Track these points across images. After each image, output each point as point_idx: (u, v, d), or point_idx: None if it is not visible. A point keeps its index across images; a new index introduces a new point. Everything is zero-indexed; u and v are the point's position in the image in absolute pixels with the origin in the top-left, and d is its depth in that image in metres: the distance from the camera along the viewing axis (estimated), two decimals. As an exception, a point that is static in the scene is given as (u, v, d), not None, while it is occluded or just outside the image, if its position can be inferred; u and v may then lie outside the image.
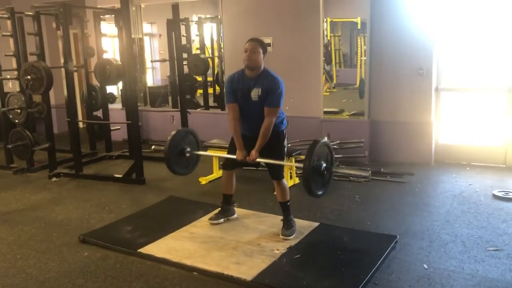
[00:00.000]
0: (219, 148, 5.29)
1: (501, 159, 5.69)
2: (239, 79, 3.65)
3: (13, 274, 3.34)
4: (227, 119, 3.73)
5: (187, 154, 4.04)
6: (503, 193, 4.65)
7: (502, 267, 3.22)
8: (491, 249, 3.50)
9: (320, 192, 3.52)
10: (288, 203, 3.80)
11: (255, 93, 3.57)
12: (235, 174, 4.03)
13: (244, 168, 4.45)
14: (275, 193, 3.90)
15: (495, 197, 4.60)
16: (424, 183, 5.17)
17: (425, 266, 3.26)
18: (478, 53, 5.74)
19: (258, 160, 3.62)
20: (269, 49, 6.30)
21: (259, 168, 3.82)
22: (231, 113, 3.69)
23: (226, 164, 3.96)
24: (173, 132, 3.98)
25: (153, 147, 4.29)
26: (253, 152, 3.62)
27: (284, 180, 3.80)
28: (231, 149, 3.83)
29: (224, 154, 3.97)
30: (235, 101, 3.67)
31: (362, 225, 4.03)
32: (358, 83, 6.42)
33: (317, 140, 3.45)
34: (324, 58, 6.26)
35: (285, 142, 3.85)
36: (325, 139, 3.52)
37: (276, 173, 3.74)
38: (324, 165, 3.45)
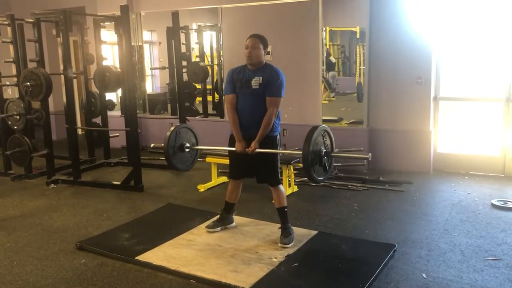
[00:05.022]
0: (218, 155, 5.30)
1: (500, 168, 5.70)
2: (240, 71, 3.74)
3: (9, 281, 3.32)
4: (226, 110, 3.79)
5: (187, 150, 4.06)
6: (501, 202, 4.64)
7: (501, 277, 3.21)
8: (490, 258, 3.49)
9: (321, 178, 3.58)
10: (286, 209, 3.80)
11: (255, 81, 3.64)
12: (241, 184, 4.03)
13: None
14: (273, 201, 3.90)
15: (494, 206, 4.60)
16: (422, 192, 5.17)
17: (424, 275, 3.25)
18: (476, 62, 5.77)
19: (257, 150, 3.63)
20: (268, 57, 6.35)
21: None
22: (229, 104, 3.75)
23: (233, 174, 3.97)
24: (172, 128, 3.99)
25: (152, 145, 4.27)
26: (253, 144, 3.64)
27: (281, 186, 3.80)
28: (232, 156, 3.85)
29: (223, 147, 3.97)
30: (233, 92, 3.74)
31: (361, 234, 4.02)
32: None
33: (315, 126, 3.50)
34: (326, 66, 6.27)
35: (279, 146, 3.87)
36: (324, 125, 3.56)
37: (273, 179, 3.75)
38: (324, 150, 3.51)
